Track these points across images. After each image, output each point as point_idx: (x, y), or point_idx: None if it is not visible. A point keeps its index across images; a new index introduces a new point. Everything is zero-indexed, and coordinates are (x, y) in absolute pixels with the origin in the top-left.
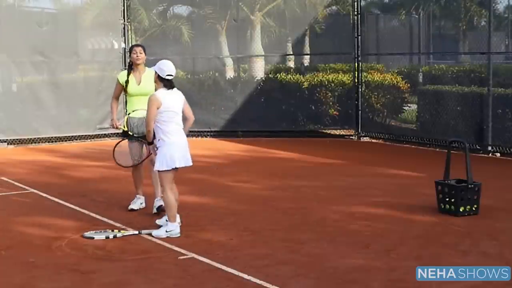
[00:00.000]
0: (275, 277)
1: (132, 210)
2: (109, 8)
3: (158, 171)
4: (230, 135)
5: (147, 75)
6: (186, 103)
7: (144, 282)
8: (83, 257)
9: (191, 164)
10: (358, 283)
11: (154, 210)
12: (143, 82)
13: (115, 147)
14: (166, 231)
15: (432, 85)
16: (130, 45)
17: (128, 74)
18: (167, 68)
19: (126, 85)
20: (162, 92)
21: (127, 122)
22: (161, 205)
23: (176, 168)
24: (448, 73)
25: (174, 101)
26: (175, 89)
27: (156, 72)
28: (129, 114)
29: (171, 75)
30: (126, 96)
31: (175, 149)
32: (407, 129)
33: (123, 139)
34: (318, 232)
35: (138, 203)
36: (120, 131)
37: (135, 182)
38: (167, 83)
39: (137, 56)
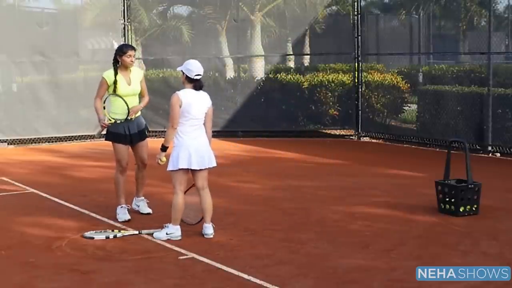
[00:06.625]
0: (275, 277)
1: (125, 220)
2: (109, 8)
3: (168, 171)
4: (230, 135)
5: (135, 74)
6: (211, 111)
7: (144, 282)
8: (83, 257)
9: (205, 167)
10: (358, 283)
11: (135, 207)
12: (133, 82)
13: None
14: (167, 233)
15: (432, 85)
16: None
17: (116, 74)
18: (195, 68)
19: (115, 86)
20: (186, 91)
21: (116, 125)
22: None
23: (188, 169)
24: (448, 73)
25: (196, 102)
26: (201, 91)
27: (183, 73)
28: (126, 118)
29: (199, 75)
30: (110, 95)
31: (187, 150)
32: (407, 129)
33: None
34: (318, 232)
35: (127, 212)
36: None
37: (120, 189)
38: (197, 84)
39: (132, 61)
